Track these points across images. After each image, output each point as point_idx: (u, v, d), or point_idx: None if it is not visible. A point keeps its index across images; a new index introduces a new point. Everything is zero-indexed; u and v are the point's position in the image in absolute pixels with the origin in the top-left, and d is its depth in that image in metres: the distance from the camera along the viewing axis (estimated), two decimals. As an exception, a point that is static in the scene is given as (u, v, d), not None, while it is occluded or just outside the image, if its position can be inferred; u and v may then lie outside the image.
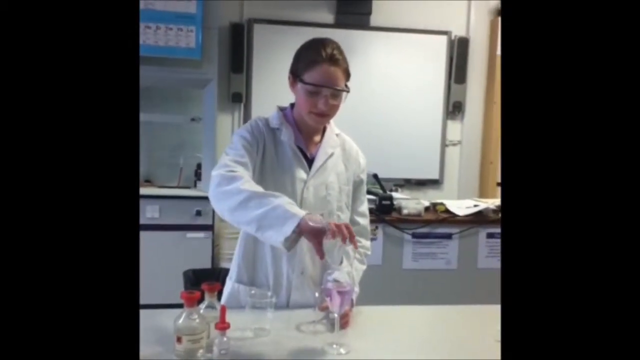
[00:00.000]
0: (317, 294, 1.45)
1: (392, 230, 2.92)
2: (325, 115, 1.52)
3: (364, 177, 1.70)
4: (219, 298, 1.30)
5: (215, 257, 3.80)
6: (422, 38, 4.26)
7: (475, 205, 3.07)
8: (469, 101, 4.38)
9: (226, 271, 1.70)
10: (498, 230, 3.01)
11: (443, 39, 4.29)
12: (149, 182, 4.20)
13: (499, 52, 4.29)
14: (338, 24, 4.15)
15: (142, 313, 1.06)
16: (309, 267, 1.56)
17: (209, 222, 3.70)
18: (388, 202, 2.97)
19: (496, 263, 3.02)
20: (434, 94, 4.33)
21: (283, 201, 1.33)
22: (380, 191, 3.03)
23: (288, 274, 1.56)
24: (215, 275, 3.36)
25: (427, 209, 3.06)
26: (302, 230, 1.27)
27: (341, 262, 1.60)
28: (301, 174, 1.55)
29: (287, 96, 1.60)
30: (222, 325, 1.20)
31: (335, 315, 1.32)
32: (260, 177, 1.52)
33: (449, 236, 2.98)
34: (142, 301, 1.09)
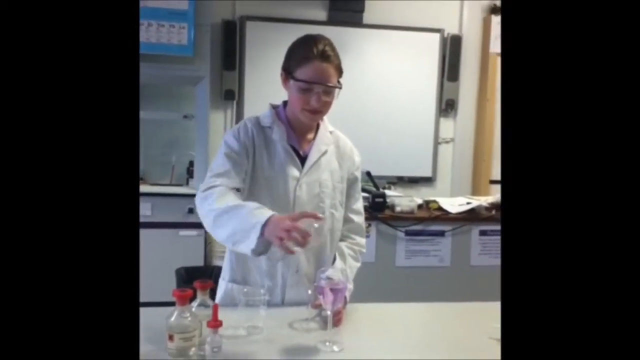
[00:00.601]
0: (309, 292, 1.45)
1: (385, 228, 2.92)
2: (318, 112, 1.51)
3: (358, 174, 1.69)
4: (212, 296, 1.29)
5: (207, 255, 3.79)
6: (415, 36, 4.26)
7: (468, 203, 3.07)
8: (461, 99, 4.39)
9: (219, 269, 1.69)
10: (491, 227, 3.02)
11: (436, 36, 4.29)
12: (141, 179, 4.17)
13: (491, 50, 4.30)
14: (331, 22, 4.15)
15: (134, 311, 1.05)
16: (303, 265, 1.56)
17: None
18: (381, 200, 2.97)
19: (489, 260, 3.03)
20: (427, 91, 4.33)
21: (247, 210, 1.32)
22: (374, 189, 3.03)
23: (283, 272, 1.55)
24: (207, 273, 3.35)
25: (420, 206, 3.07)
26: (265, 237, 1.26)
27: (334, 261, 1.61)
28: (294, 172, 1.54)
29: (280, 94, 1.60)
30: (215, 323, 1.19)
31: (328, 312, 1.32)
32: (253, 178, 1.52)
33: (441, 233, 2.98)
34: (133, 299, 1.09)
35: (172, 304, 1.21)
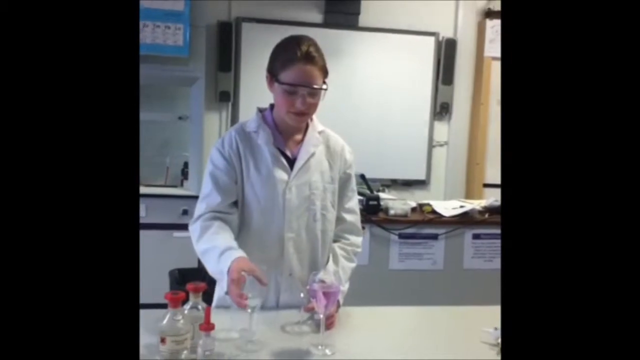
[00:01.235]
0: (302, 295, 1.45)
1: (378, 231, 2.93)
2: (304, 114, 1.50)
3: (351, 172, 1.65)
4: (204, 299, 1.29)
5: (201, 257, 3.77)
6: (410, 39, 4.27)
7: (462, 206, 3.08)
8: (456, 102, 4.40)
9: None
10: (484, 231, 3.03)
11: (431, 40, 4.30)
12: (135, 180, 4.16)
13: (486, 53, 4.31)
14: (326, 24, 4.15)
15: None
16: (296, 269, 1.55)
17: (196, 222, 3.68)
18: (375, 203, 2.98)
19: (482, 264, 3.04)
20: (422, 94, 4.33)
21: (216, 255, 1.43)
22: (368, 191, 3.04)
23: (276, 276, 1.55)
24: (201, 275, 3.31)
25: (413, 209, 3.07)
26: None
27: (327, 262, 1.60)
28: (282, 175, 1.53)
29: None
30: (207, 326, 1.19)
31: (321, 316, 1.32)
32: (243, 185, 1.53)
33: (435, 237, 2.99)
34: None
35: (165, 305, 1.20)
